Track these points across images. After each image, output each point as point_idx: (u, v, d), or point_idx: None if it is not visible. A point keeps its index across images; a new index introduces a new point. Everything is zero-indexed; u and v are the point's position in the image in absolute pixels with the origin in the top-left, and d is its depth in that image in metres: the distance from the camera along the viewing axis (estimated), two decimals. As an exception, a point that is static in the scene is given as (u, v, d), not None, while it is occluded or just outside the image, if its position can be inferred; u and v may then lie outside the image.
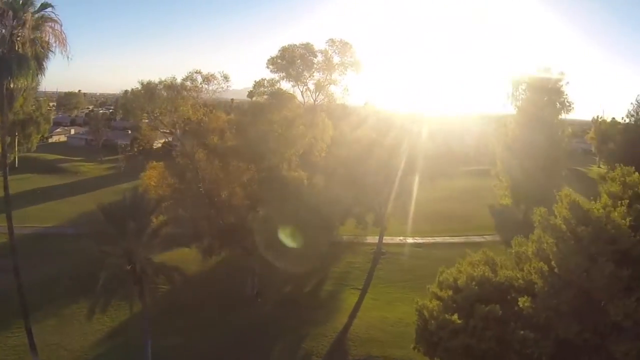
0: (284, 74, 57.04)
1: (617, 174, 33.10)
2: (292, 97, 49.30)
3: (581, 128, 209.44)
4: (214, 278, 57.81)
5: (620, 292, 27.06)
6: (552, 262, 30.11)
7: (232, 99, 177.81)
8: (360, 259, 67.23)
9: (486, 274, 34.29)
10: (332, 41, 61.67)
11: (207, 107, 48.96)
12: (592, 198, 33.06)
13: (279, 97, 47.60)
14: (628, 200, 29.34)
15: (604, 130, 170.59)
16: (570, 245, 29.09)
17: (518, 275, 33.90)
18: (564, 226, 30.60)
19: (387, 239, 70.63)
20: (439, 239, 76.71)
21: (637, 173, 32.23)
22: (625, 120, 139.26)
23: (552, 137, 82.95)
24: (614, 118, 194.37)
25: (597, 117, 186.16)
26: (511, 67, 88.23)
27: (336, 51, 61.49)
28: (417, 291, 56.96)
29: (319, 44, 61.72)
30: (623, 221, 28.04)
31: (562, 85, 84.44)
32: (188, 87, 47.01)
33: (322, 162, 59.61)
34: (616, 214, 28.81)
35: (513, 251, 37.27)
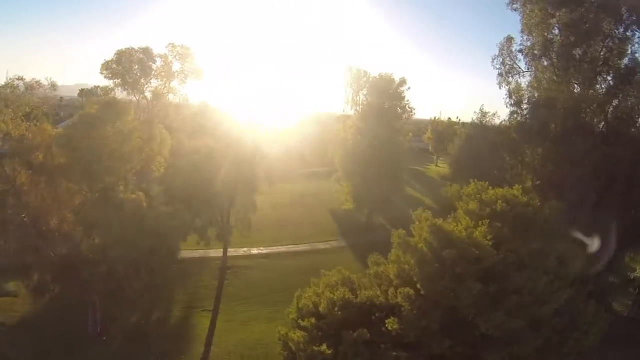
0: (119, 80, 53.97)
1: (473, 191, 34.78)
2: (127, 107, 46.01)
3: (417, 127, 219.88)
4: (52, 318, 50.98)
5: (487, 307, 29.31)
6: (418, 285, 31.51)
7: (61, 98, 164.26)
8: (207, 276, 65.53)
9: (347, 296, 34.65)
10: (172, 46, 59.43)
11: (32, 120, 44.48)
12: (449, 216, 34.58)
13: (113, 108, 44.02)
14: (488, 220, 31.62)
15: (442, 132, 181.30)
16: (435, 268, 30.79)
17: (379, 293, 34.98)
18: (426, 249, 32.15)
19: (231, 252, 70.15)
20: (283, 248, 77.29)
21: (491, 189, 34.07)
22: (460, 121, 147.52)
23: (394, 142, 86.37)
24: (449, 118, 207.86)
25: (435, 118, 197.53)
26: (352, 72, 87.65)
27: (177, 57, 59.34)
28: (269, 306, 57.50)
29: (158, 48, 58.73)
30: (486, 241, 30.31)
31: (403, 91, 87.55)
32: (7, 98, 42.66)
33: (161, 178, 56.85)
34: (478, 233, 31.23)
35: (371, 272, 38.06)
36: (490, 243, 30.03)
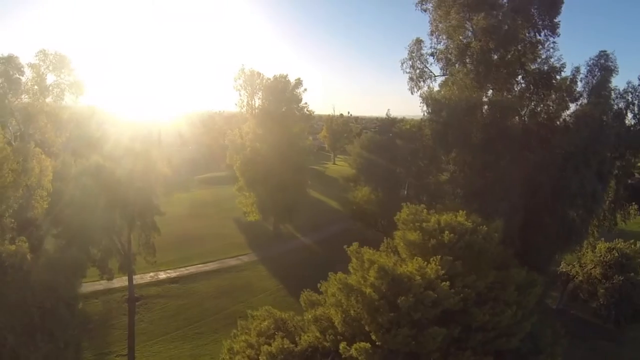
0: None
1: (409, 217, 32.17)
2: None
3: (309, 124, 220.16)
4: None
5: (452, 348, 27.87)
6: (371, 335, 28.69)
7: None
8: (115, 312, 59.67)
9: (285, 345, 31.39)
10: (44, 54, 52.56)
11: None
12: (384, 248, 32.51)
13: None
14: (437, 255, 29.52)
15: (336, 129, 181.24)
16: (391, 317, 28.03)
17: (320, 338, 31.99)
18: (375, 295, 29.12)
19: (137, 279, 65.22)
20: (193, 269, 72.84)
21: (430, 215, 31.74)
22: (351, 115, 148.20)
23: (294, 147, 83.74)
24: (342, 114, 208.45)
25: (330, 115, 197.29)
26: (245, 73, 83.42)
27: (50, 67, 52.88)
28: (191, 340, 53.59)
29: (25, 57, 52.09)
30: (440, 281, 27.97)
31: (299, 93, 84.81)
32: None
33: (48, 209, 50.72)
34: (429, 271, 28.78)
35: (309, 316, 34.75)
36: (447, 283, 27.89)
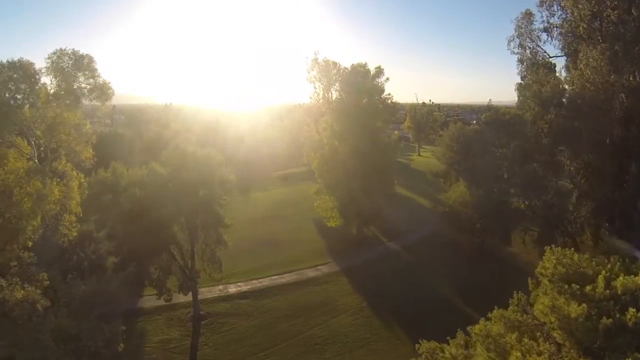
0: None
1: (558, 270, 22.13)
2: (2, 150, 33.18)
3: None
4: None
5: None
6: None
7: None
8: (176, 332, 53.25)
9: None
10: (62, 54, 45.51)
11: None
12: None
13: None
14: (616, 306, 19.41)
15: (420, 119, 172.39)
16: None
17: None
18: None
19: (204, 292, 58.45)
20: (266, 281, 65.35)
21: (590, 265, 22.02)
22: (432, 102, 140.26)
23: (378, 145, 74.51)
24: (423, 103, 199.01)
25: (413, 104, 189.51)
26: (319, 64, 75.52)
27: (71, 69, 45.96)
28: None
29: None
30: None
31: (381, 83, 75.62)
32: None
33: (100, 222, 44.56)
34: None
35: None
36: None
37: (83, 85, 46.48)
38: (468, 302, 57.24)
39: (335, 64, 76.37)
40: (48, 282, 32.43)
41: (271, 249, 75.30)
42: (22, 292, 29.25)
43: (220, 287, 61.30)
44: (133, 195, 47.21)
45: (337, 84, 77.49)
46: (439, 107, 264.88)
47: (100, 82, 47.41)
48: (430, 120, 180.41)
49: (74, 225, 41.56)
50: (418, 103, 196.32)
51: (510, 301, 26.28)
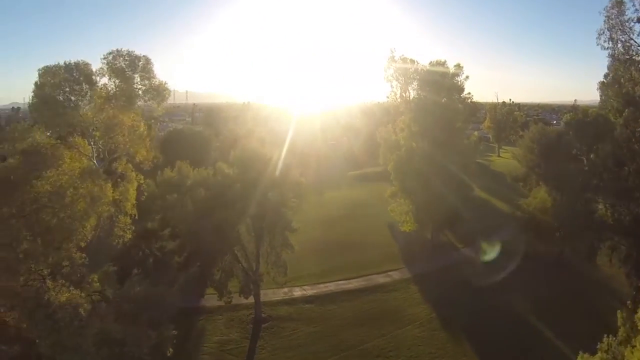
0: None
1: None
2: (59, 154, 31.56)
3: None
4: None
5: None
6: None
7: None
8: (235, 333, 51.58)
9: None
10: (116, 55, 43.72)
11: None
12: None
13: (38, 156, 29.81)
14: None
15: (501, 119, 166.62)
16: None
17: None
18: None
19: (268, 293, 56.74)
20: (332, 286, 62.53)
21: None
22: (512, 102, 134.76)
23: (458, 145, 70.44)
24: (503, 102, 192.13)
25: (494, 103, 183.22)
26: (396, 62, 71.71)
27: (131, 67, 44.15)
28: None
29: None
30: None
31: (461, 81, 71.40)
32: None
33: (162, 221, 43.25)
34: None
35: None
36: None
37: (139, 87, 44.91)
38: (543, 320, 52.82)
39: (413, 61, 72.70)
40: (98, 283, 31.59)
41: (341, 251, 72.71)
42: (67, 294, 28.41)
43: (285, 289, 59.06)
44: (198, 195, 45.73)
45: (415, 83, 73.74)
46: (519, 106, 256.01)
47: (156, 83, 45.72)
48: (510, 120, 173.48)
49: (129, 227, 40.21)
50: (498, 102, 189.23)
51: (598, 346, 22.77)
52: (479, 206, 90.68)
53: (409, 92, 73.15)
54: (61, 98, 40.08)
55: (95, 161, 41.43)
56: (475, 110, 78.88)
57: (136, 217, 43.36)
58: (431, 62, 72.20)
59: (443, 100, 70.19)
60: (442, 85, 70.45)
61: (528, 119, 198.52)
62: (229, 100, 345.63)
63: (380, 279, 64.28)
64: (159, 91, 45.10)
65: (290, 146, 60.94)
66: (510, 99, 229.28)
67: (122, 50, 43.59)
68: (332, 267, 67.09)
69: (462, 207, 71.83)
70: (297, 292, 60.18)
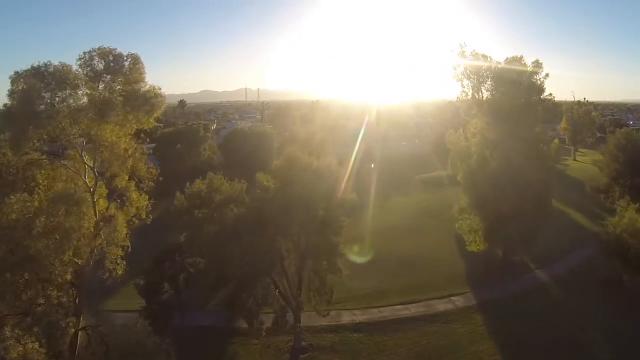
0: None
1: None
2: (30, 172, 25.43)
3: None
4: None
5: None
6: None
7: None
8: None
9: None
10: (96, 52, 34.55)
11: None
12: None
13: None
14: None
15: (578, 120, 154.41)
16: None
17: None
18: None
19: (312, 316, 48.20)
20: (387, 312, 54.55)
21: None
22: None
23: (538, 154, 60.77)
24: (579, 101, 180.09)
25: (571, 103, 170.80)
26: (467, 58, 62.13)
27: (109, 70, 34.56)
28: None
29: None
30: None
31: (541, 81, 61.83)
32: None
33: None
34: None
35: None
36: None
37: (119, 94, 35.07)
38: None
39: (486, 57, 63.17)
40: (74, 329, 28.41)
41: (401, 269, 64.58)
42: (20, 349, 23.49)
43: (333, 313, 50.73)
44: (227, 215, 39.01)
45: (488, 82, 64.15)
46: (594, 106, 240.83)
47: (144, 88, 35.69)
48: (587, 121, 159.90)
49: (119, 262, 33.25)
50: (575, 102, 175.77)
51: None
52: (555, 218, 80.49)
53: (482, 93, 63.75)
54: (42, 107, 31.87)
55: (86, 180, 33.91)
56: (557, 113, 68.62)
57: (130, 251, 36.14)
58: (507, 58, 62.84)
59: (521, 101, 60.95)
60: (520, 85, 61.28)
61: (603, 119, 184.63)
62: (300, 98, 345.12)
63: (442, 306, 55.86)
64: (146, 99, 35.36)
65: (358, 149, 52.99)
66: (584, 98, 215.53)
67: (105, 48, 34.20)
68: (389, 287, 59.57)
69: (540, 225, 62.23)
70: (346, 317, 52.91)
